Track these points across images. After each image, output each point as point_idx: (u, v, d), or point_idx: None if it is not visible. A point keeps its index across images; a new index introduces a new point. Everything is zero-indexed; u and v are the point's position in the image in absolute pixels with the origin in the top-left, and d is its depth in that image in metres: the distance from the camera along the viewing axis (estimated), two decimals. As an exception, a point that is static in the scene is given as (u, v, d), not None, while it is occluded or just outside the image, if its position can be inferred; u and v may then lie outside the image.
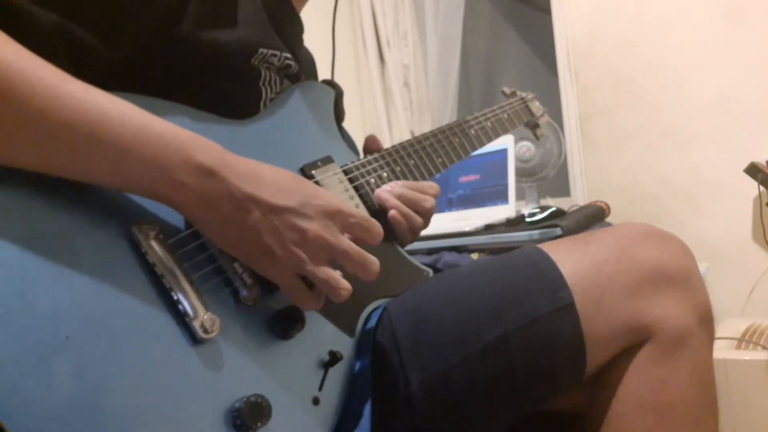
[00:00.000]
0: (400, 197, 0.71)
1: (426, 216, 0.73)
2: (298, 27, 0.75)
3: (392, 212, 0.69)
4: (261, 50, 0.64)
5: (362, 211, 0.68)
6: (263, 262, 0.51)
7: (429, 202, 0.73)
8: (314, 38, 0.87)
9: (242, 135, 0.63)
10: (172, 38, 0.56)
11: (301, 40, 0.77)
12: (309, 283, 0.53)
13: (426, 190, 0.74)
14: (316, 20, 0.95)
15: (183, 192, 0.47)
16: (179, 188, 0.47)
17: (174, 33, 0.56)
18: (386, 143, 0.81)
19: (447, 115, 2.42)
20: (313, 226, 0.51)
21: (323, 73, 0.86)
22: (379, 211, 0.71)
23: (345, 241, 0.53)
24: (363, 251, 0.54)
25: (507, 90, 1.04)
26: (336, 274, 0.53)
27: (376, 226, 0.56)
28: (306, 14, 0.80)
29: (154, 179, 0.46)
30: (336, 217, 0.53)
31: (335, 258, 0.53)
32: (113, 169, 0.46)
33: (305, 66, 0.78)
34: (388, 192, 0.71)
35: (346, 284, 0.53)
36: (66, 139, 0.43)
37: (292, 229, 0.50)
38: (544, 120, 1.06)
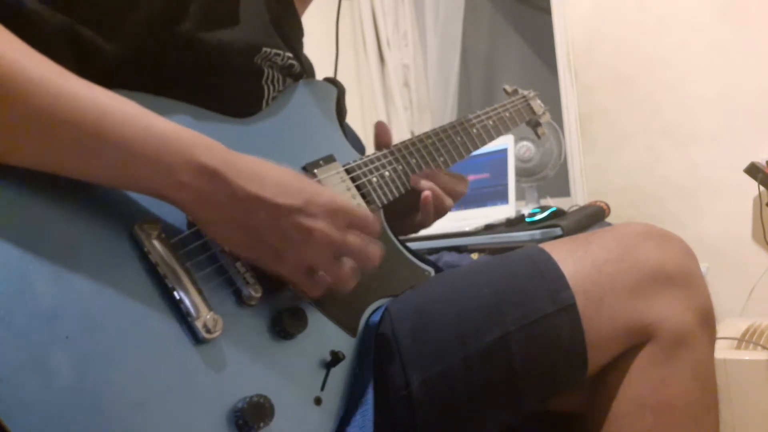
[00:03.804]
0: (435, 180, 0.78)
1: (455, 199, 0.80)
2: (299, 30, 0.75)
3: (426, 193, 0.75)
4: (264, 49, 0.64)
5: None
6: (269, 261, 0.52)
7: (460, 187, 0.81)
8: (315, 39, 0.87)
9: (244, 133, 0.63)
10: (174, 36, 0.56)
11: (302, 44, 0.77)
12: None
13: (458, 177, 0.82)
14: (317, 21, 0.94)
15: (185, 192, 0.47)
16: (182, 188, 0.47)
17: (176, 31, 0.56)
18: (386, 143, 0.81)
19: (447, 115, 2.42)
20: (319, 225, 0.51)
21: (325, 74, 0.86)
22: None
23: (349, 237, 0.54)
24: (365, 242, 0.55)
25: (508, 88, 1.03)
26: (342, 271, 0.55)
27: (375, 222, 0.57)
28: (307, 15, 0.80)
29: (156, 179, 0.46)
30: (339, 214, 0.53)
31: (340, 253, 0.54)
32: (114, 168, 0.45)
33: (306, 68, 0.78)
34: (423, 175, 0.77)
35: (351, 278, 0.55)
36: (67, 137, 0.43)
37: (298, 229, 0.50)
38: (546, 118, 1.04)
